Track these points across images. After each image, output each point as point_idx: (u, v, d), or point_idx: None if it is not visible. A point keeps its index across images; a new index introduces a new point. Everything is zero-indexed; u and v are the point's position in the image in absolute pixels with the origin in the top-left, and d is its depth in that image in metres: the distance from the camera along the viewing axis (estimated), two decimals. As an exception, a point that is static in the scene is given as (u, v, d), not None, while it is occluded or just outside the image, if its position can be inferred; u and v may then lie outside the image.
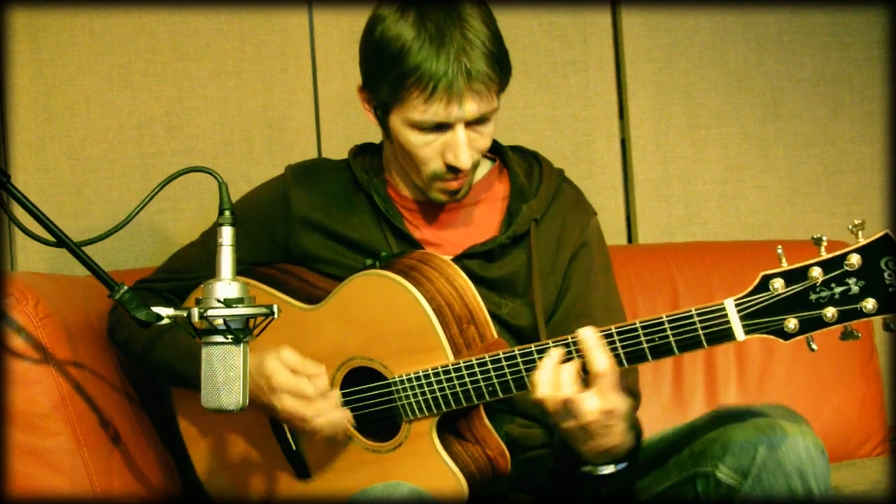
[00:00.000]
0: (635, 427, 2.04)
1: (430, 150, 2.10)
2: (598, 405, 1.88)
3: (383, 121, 2.15)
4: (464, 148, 2.08)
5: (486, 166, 2.27)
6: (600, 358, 1.89)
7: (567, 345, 1.93)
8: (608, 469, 2.00)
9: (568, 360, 1.92)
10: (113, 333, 2.31)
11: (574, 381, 1.89)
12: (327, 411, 2.05)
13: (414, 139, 2.10)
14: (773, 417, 1.94)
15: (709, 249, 2.94)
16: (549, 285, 2.19)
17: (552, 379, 1.91)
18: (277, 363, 2.05)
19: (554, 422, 1.94)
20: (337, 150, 2.93)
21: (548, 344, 1.95)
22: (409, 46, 2.03)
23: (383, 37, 2.07)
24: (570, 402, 1.88)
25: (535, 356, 1.96)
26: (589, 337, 1.90)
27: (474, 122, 2.09)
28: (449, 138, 2.08)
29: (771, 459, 1.90)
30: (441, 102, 2.04)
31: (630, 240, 3.18)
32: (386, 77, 2.07)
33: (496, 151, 2.29)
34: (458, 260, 2.16)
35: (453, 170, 2.11)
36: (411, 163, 2.14)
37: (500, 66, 2.09)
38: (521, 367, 1.98)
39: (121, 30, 2.90)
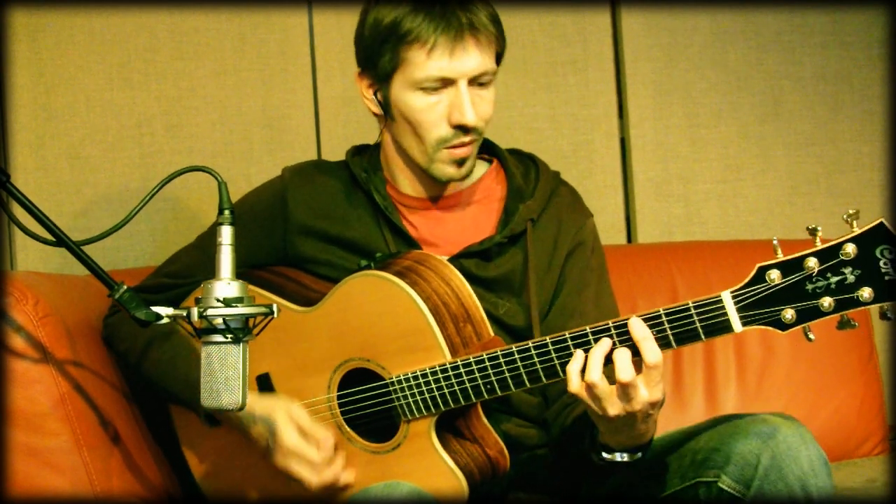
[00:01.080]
0: None
1: (434, 114, 2.10)
2: (647, 396, 1.86)
3: (384, 100, 2.14)
4: (468, 103, 2.08)
5: (483, 167, 2.27)
6: (653, 349, 1.86)
7: (610, 335, 1.90)
8: (625, 457, 1.99)
9: (612, 349, 1.89)
10: (111, 342, 2.30)
11: (632, 366, 1.86)
12: (330, 479, 2.07)
13: (417, 103, 2.10)
14: (776, 426, 1.94)
15: (708, 249, 2.94)
16: (545, 285, 2.19)
17: (601, 364, 1.87)
18: (287, 419, 2.07)
19: (595, 406, 1.90)
20: (336, 149, 2.93)
21: (545, 340, 1.95)
22: (406, 13, 2.06)
23: (378, 15, 2.10)
24: (629, 388, 1.85)
25: (533, 353, 1.96)
26: (639, 328, 1.87)
27: (476, 85, 2.09)
28: (453, 97, 2.09)
29: (773, 470, 1.90)
30: (444, 52, 2.05)
31: (629, 239, 3.18)
32: (385, 45, 2.08)
33: (493, 153, 2.29)
34: (455, 259, 2.16)
35: (460, 130, 2.10)
36: (416, 137, 2.13)
37: (499, 27, 2.11)
38: (519, 364, 1.97)
39: (120, 29, 2.90)
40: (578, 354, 1.90)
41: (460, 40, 2.05)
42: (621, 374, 1.85)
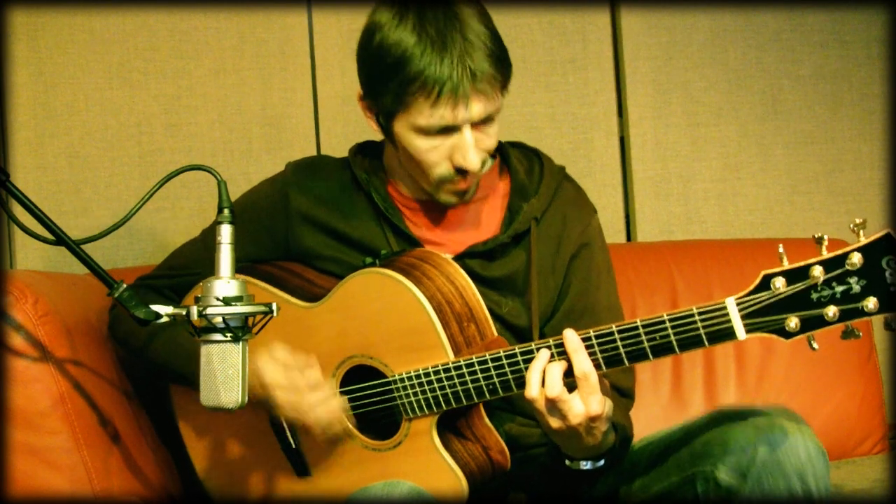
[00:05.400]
0: (618, 425, 2.05)
1: (437, 154, 2.09)
2: (583, 410, 1.89)
3: (387, 128, 2.13)
4: (471, 149, 2.07)
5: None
6: (582, 360, 1.90)
7: (549, 346, 1.94)
8: (587, 465, 2.02)
9: (555, 360, 1.93)
10: (113, 330, 2.31)
11: (560, 381, 1.90)
12: (321, 402, 2.05)
13: (420, 144, 2.09)
14: (774, 418, 1.94)
15: (708, 248, 2.94)
16: (549, 284, 2.19)
17: (539, 379, 1.92)
18: (267, 358, 2.05)
19: (540, 420, 1.95)
20: (336, 148, 2.94)
21: (548, 342, 1.95)
22: (411, 52, 2.02)
23: (383, 44, 2.05)
24: (558, 403, 1.90)
25: (536, 354, 1.96)
26: (571, 339, 1.91)
27: (480, 123, 2.08)
28: (456, 140, 2.07)
29: (771, 460, 1.90)
30: (447, 106, 2.03)
31: (629, 238, 3.18)
32: (388, 85, 2.06)
33: (496, 148, 2.28)
34: (458, 259, 2.15)
35: (461, 171, 2.10)
36: (418, 168, 2.12)
37: (503, 65, 2.08)
38: (522, 365, 1.97)
39: (120, 28, 2.90)
40: (542, 354, 1.94)
41: (464, 93, 2.02)
42: (549, 390, 1.90)
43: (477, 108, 2.04)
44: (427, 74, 2.01)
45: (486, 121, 2.08)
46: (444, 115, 2.04)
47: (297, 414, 2.06)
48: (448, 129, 2.06)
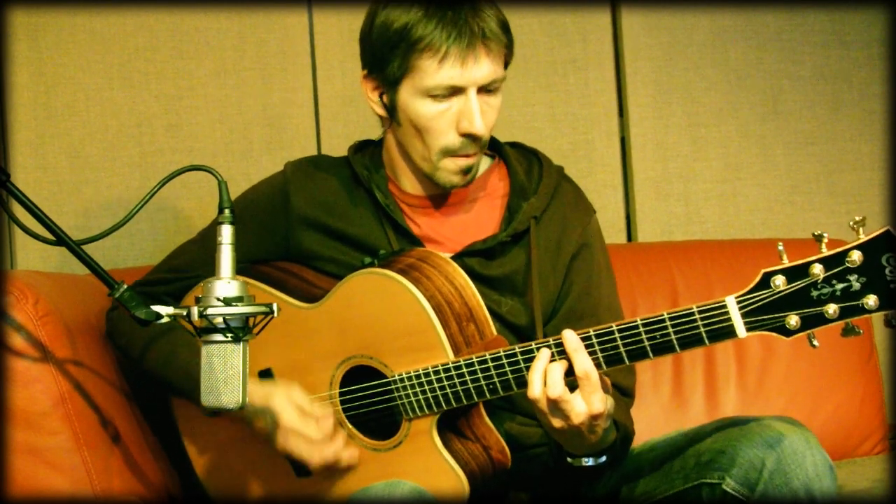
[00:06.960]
0: (619, 423, 2.06)
1: (443, 121, 2.09)
2: (585, 409, 1.90)
3: (391, 104, 2.14)
4: (478, 112, 2.08)
5: (485, 163, 2.26)
6: (583, 360, 1.90)
7: (549, 346, 1.94)
8: (589, 461, 2.03)
9: (556, 360, 1.94)
10: (112, 337, 2.30)
11: (561, 381, 1.91)
12: (331, 456, 2.07)
13: (426, 110, 2.09)
14: (782, 431, 1.94)
15: (708, 248, 2.94)
16: (549, 284, 2.19)
17: (541, 379, 1.92)
18: (286, 401, 2.07)
19: (542, 420, 1.96)
20: (336, 148, 2.93)
21: (548, 341, 1.95)
22: (419, 18, 2.05)
23: (389, 17, 2.08)
24: (560, 403, 1.90)
25: (536, 354, 1.96)
26: (571, 339, 1.92)
27: (484, 92, 2.09)
28: (462, 105, 2.08)
29: (778, 474, 1.90)
30: (456, 62, 2.04)
31: (630, 238, 3.18)
32: (395, 51, 2.07)
33: (495, 148, 2.28)
34: (458, 258, 2.16)
35: (468, 139, 2.10)
36: (421, 143, 2.12)
37: (509, 33, 2.11)
38: (522, 364, 1.97)
39: (120, 28, 2.90)
40: (543, 353, 1.95)
41: (472, 49, 2.04)
42: (550, 390, 1.90)
43: (485, 67, 2.06)
44: (435, 34, 2.04)
45: (489, 91, 2.09)
46: (451, 73, 2.05)
47: (306, 458, 2.08)
48: (455, 91, 2.07)
